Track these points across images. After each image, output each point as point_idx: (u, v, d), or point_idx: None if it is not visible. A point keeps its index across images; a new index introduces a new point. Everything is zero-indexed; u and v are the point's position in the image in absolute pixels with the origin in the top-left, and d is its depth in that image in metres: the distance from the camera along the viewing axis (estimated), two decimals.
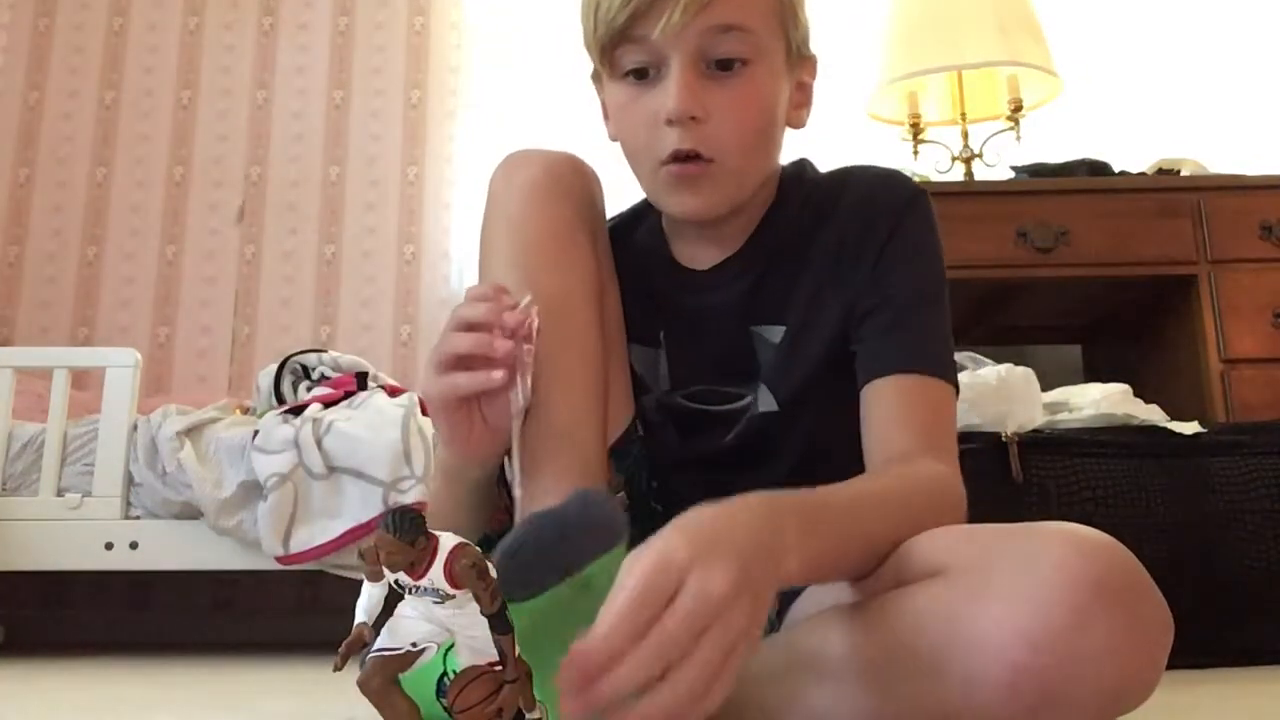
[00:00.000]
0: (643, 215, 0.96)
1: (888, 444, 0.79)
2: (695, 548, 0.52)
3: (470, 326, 0.72)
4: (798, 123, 0.89)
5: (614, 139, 0.89)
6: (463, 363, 0.72)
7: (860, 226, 0.85)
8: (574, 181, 0.84)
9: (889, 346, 0.81)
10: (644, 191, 0.89)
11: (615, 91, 0.85)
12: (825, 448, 0.86)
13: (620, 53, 0.82)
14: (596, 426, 0.79)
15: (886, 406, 0.80)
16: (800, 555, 0.59)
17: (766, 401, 0.87)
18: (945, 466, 0.77)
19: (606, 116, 0.90)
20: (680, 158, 0.80)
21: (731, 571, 0.51)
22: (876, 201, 0.86)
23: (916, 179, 2.27)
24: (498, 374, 0.71)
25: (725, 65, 0.80)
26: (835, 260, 0.85)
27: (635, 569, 0.51)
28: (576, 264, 0.81)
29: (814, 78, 0.90)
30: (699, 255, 0.91)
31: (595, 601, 0.61)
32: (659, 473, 0.94)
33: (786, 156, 0.92)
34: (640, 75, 0.82)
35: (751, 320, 0.88)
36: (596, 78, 0.90)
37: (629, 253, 0.93)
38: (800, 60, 0.87)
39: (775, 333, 0.87)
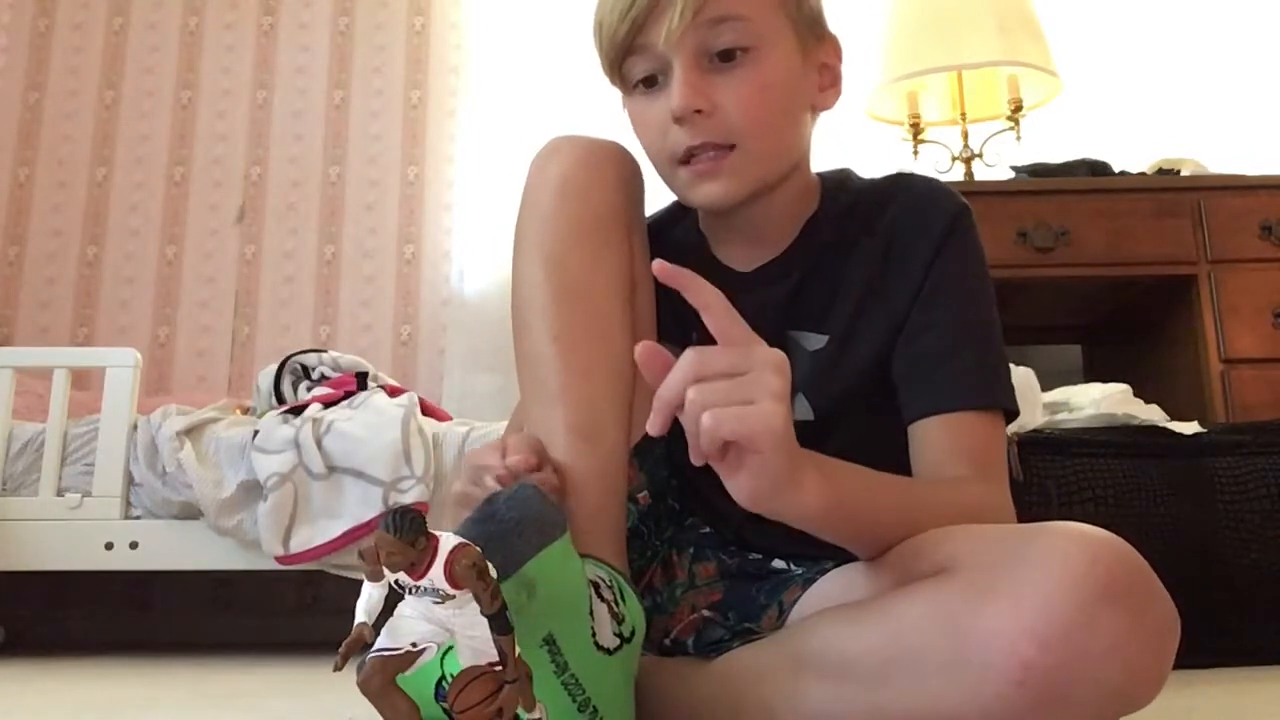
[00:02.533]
0: (681, 213, 0.95)
1: (938, 476, 0.79)
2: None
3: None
4: (824, 104, 0.88)
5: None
6: None
7: (906, 240, 0.84)
8: (610, 172, 0.83)
9: (937, 383, 0.81)
10: (672, 191, 0.88)
11: (630, 104, 0.86)
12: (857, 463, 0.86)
13: (627, 66, 0.83)
14: (619, 423, 0.78)
15: (936, 445, 0.80)
16: (816, 492, 0.64)
17: (802, 410, 0.86)
18: (995, 491, 0.78)
19: None
20: (694, 154, 0.81)
21: (780, 384, 0.60)
22: (923, 216, 0.85)
23: None
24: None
25: (727, 56, 0.80)
26: (880, 273, 0.85)
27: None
28: (606, 258, 0.80)
29: (839, 59, 0.89)
30: (739, 256, 0.90)
31: (542, 605, 0.61)
32: (679, 471, 0.93)
33: None
34: (650, 84, 0.83)
35: (790, 325, 0.87)
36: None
37: (666, 251, 0.92)
38: (817, 42, 0.87)
39: (813, 340, 0.86)
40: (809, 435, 0.85)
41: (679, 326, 0.91)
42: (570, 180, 0.81)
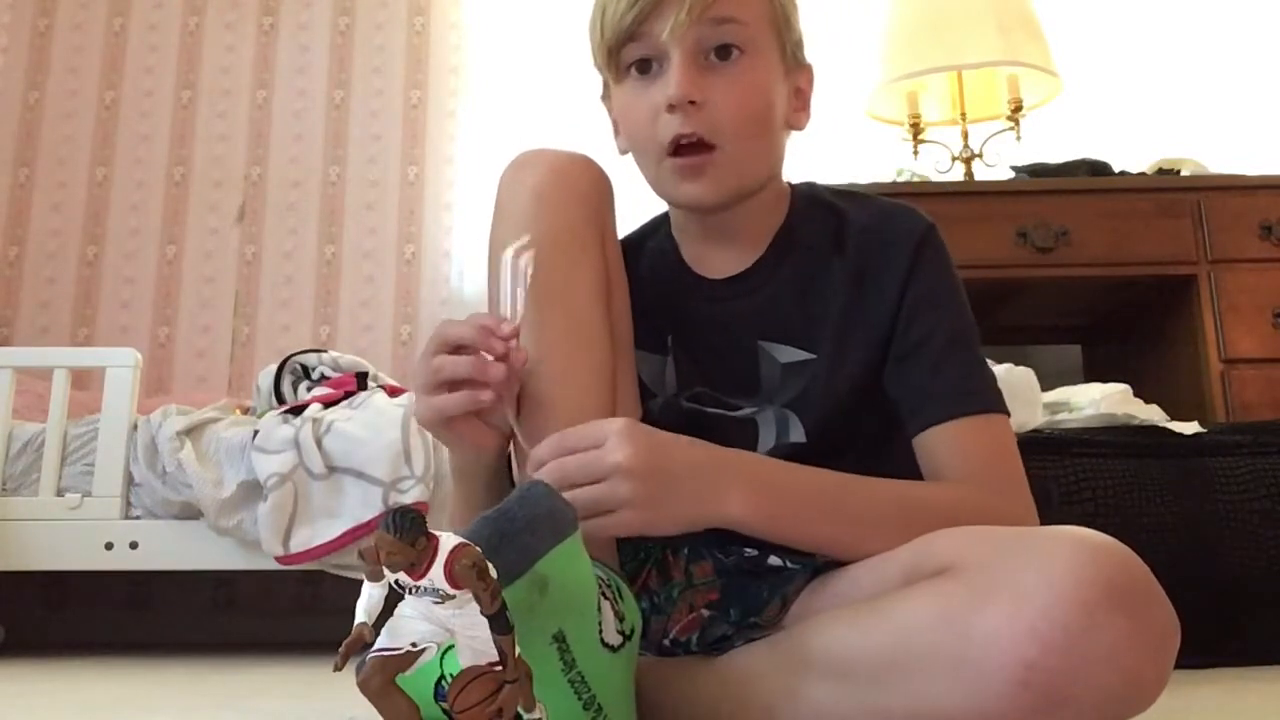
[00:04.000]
0: (656, 228, 0.98)
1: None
2: (626, 432, 0.70)
3: (457, 348, 0.73)
4: (797, 124, 0.92)
5: (624, 152, 0.91)
6: (450, 384, 0.74)
7: (877, 264, 0.87)
8: (582, 182, 0.84)
9: (934, 394, 0.83)
10: (651, 186, 0.90)
11: (621, 93, 0.88)
12: None
13: (625, 52, 0.86)
14: None
15: (938, 456, 0.82)
16: (742, 506, 0.73)
17: (796, 433, 0.87)
18: (1002, 498, 0.79)
19: (616, 132, 0.93)
20: (682, 144, 0.83)
21: (631, 463, 0.69)
22: (892, 238, 0.88)
23: (916, 179, 2.29)
24: (486, 395, 0.72)
25: (722, 55, 0.84)
26: (856, 296, 0.87)
27: (590, 423, 0.72)
28: (583, 265, 0.82)
29: (811, 86, 0.93)
30: (712, 262, 0.92)
31: (554, 603, 0.61)
32: None
33: (791, 159, 0.93)
34: (643, 70, 0.85)
35: (761, 335, 0.89)
36: (605, 95, 0.93)
37: (641, 261, 0.94)
38: (797, 67, 0.91)
39: (784, 352, 0.88)
40: (802, 456, 0.86)
41: (654, 337, 0.92)
42: (544, 190, 0.82)
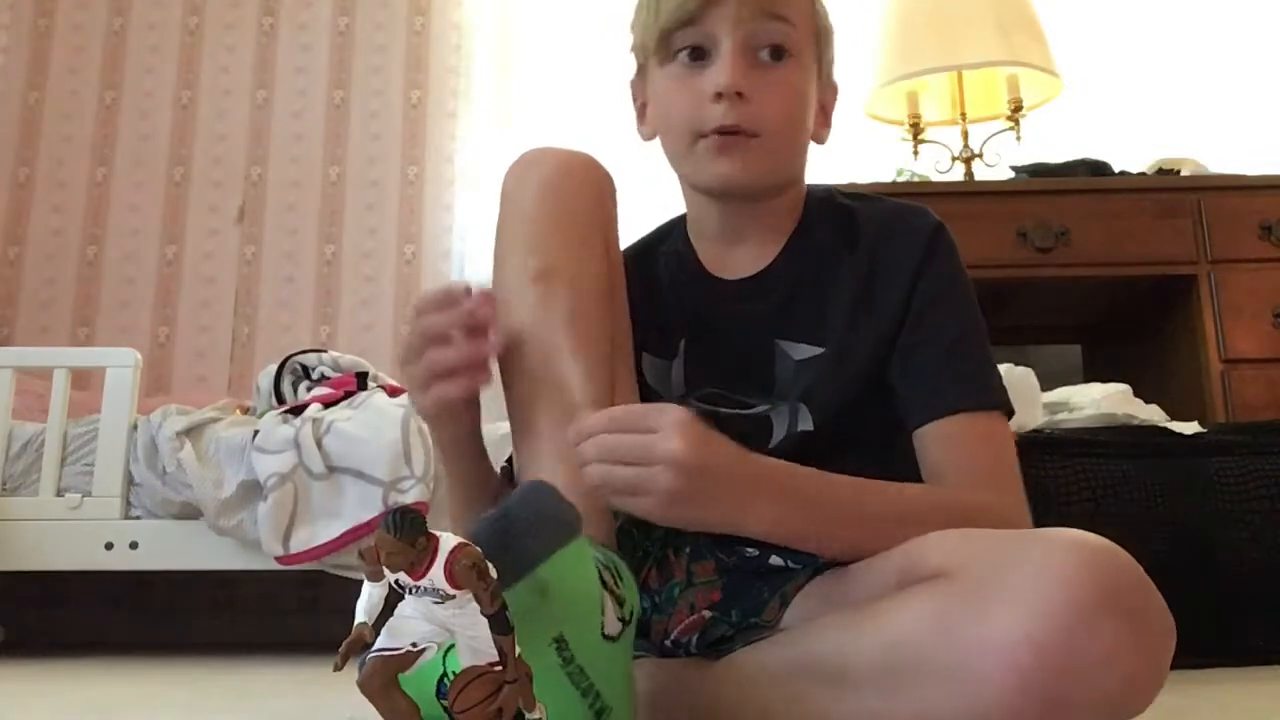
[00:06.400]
0: (668, 233, 0.99)
1: (944, 483, 0.81)
2: (683, 423, 0.67)
3: (436, 337, 0.74)
4: (818, 139, 0.94)
5: (648, 138, 0.93)
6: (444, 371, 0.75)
7: (887, 261, 0.88)
8: (587, 180, 0.85)
9: (937, 388, 0.84)
10: (680, 169, 0.91)
11: (663, 76, 0.89)
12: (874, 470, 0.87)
13: (679, 36, 0.87)
14: (601, 409, 0.79)
15: (937, 449, 0.82)
16: (765, 521, 0.72)
17: (805, 421, 0.88)
18: (1000, 496, 0.80)
19: (641, 118, 0.95)
20: (724, 132, 0.85)
21: (682, 456, 0.66)
22: (903, 233, 0.89)
23: (916, 179, 2.29)
24: (484, 377, 0.74)
25: (774, 55, 0.86)
26: (866, 291, 0.88)
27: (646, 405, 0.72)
28: (589, 260, 0.82)
29: (834, 105, 0.95)
30: (728, 263, 0.93)
31: (555, 607, 0.61)
32: None
33: None
34: (694, 56, 0.87)
35: (776, 334, 0.90)
36: (637, 79, 0.94)
37: (654, 266, 0.96)
38: (826, 84, 0.93)
39: (800, 350, 0.89)
40: (811, 445, 0.86)
41: (663, 341, 0.92)
42: (551, 184, 0.83)
